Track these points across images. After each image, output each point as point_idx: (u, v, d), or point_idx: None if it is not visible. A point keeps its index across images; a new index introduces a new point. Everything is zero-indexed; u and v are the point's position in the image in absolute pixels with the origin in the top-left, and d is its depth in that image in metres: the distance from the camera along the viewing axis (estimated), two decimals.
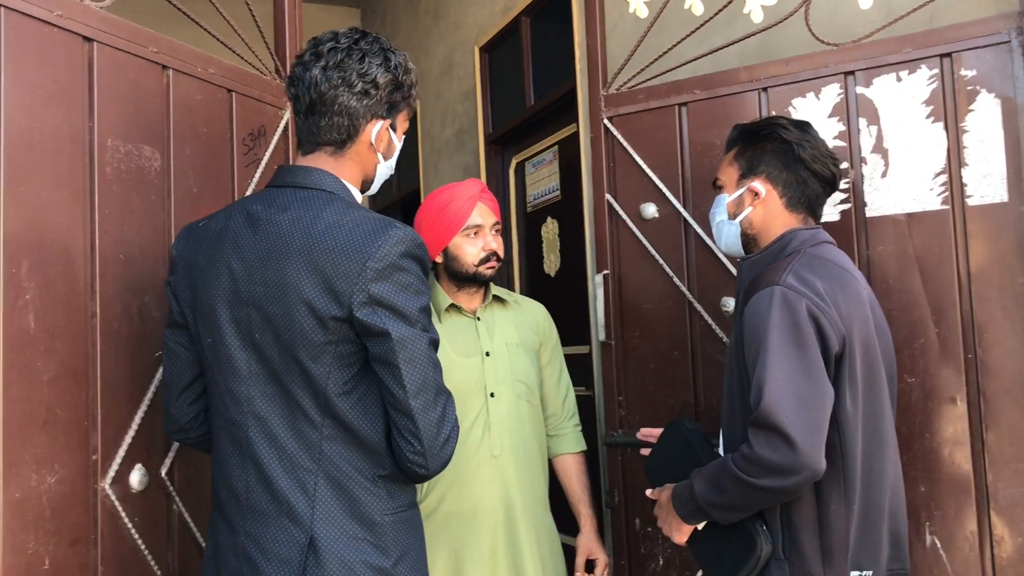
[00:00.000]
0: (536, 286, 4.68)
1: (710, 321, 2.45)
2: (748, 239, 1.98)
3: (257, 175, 2.23)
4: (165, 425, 1.76)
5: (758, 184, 1.95)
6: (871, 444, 1.77)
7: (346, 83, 1.62)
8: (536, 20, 4.64)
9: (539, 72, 4.65)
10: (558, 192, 4.45)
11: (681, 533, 1.87)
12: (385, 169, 1.74)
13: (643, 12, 2.56)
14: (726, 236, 2.02)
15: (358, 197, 1.69)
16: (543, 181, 4.62)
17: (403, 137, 1.78)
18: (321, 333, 1.52)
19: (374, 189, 1.77)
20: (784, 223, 1.94)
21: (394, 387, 1.52)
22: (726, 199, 2.01)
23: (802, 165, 1.92)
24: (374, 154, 1.70)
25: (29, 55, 1.67)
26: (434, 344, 1.57)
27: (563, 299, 4.39)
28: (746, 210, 1.97)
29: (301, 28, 2.42)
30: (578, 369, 3.67)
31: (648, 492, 1.98)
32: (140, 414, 1.86)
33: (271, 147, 2.29)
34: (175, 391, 1.72)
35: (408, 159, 6.23)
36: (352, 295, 1.50)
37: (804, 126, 1.97)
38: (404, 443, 1.54)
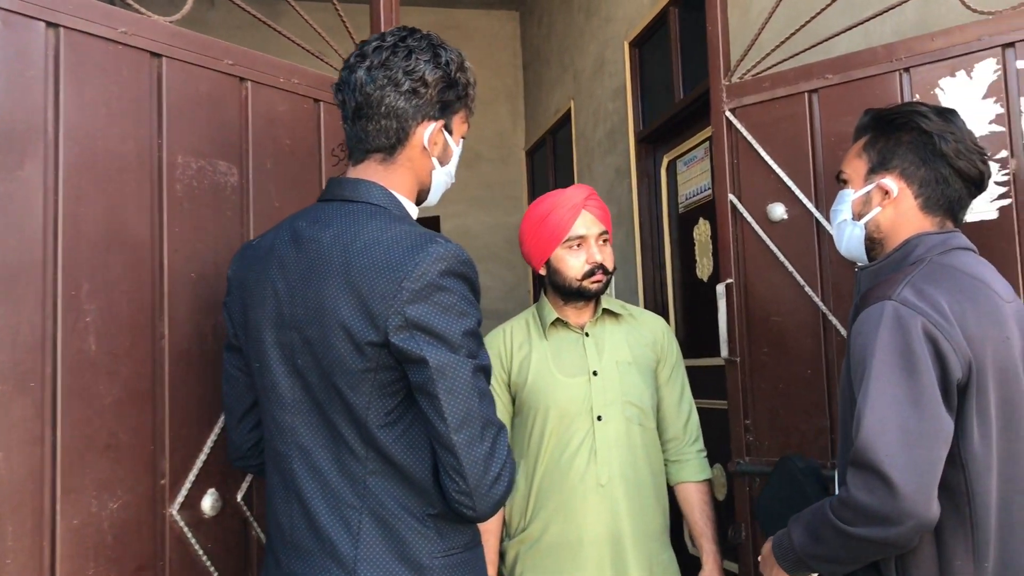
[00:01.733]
0: (689, 291, 4.42)
1: (846, 334, 2.15)
2: (873, 244, 1.71)
3: None
4: (228, 452, 1.71)
5: (890, 181, 1.67)
6: (1010, 490, 1.47)
7: (392, 82, 1.50)
8: (684, 9, 4.38)
9: (688, 65, 4.39)
10: (710, 191, 4.17)
11: None
12: (443, 176, 1.61)
13: None
14: (848, 239, 1.75)
15: (413, 210, 1.57)
16: (695, 180, 4.36)
17: (462, 141, 1.63)
18: (358, 359, 1.40)
19: (433, 200, 1.63)
20: (916, 227, 1.65)
21: (435, 419, 1.38)
22: (851, 195, 1.74)
23: (944, 161, 1.63)
24: (428, 159, 1.56)
25: (92, 74, 1.66)
26: (483, 371, 1.42)
27: (715, 305, 4.11)
28: (874, 210, 1.69)
29: None
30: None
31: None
32: (212, 438, 1.81)
33: None
34: (235, 417, 1.66)
35: (564, 162, 6.09)
36: (388, 318, 1.38)
37: (948, 114, 1.67)
38: (449, 481, 1.40)
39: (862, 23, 2.18)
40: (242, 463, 1.70)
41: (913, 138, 1.66)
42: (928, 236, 1.61)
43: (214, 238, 1.85)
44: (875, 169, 1.70)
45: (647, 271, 4.78)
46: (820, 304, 2.21)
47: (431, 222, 6.71)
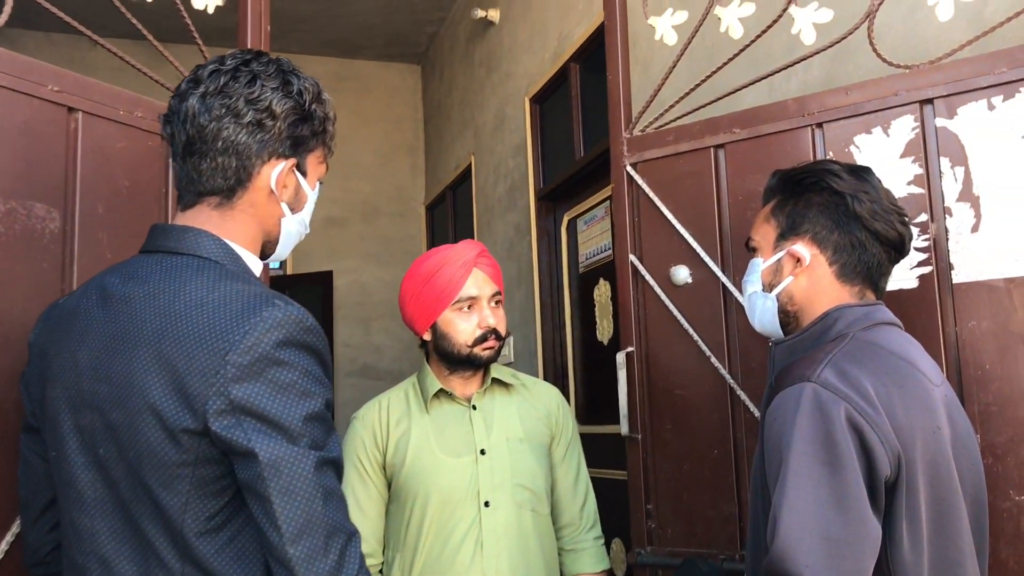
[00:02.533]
0: (589, 354, 4.24)
1: (756, 412, 1.97)
2: (788, 317, 1.53)
3: None
4: (24, 555, 1.39)
5: (801, 247, 1.50)
6: None
7: (232, 112, 1.25)
8: (585, 66, 4.27)
9: (589, 123, 4.28)
10: (610, 252, 4.02)
11: None
12: (295, 225, 1.35)
13: (671, 38, 2.13)
14: (760, 312, 1.57)
15: (256, 265, 1.31)
16: (595, 239, 4.21)
17: (319, 185, 1.39)
18: (172, 451, 1.12)
19: (282, 253, 1.37)
20: (833, 297, 1.48)
21: (267, 527, 1.11)
22: (760, 265, 1.56)
23: (859, 223, 1.47)
24: (276, 205, 1.31)
25: None
26: (331, 466, 1.15)
27: (616, 370, 3.93)
28: (785, 280, 1.51)
29: None
30: None
31: None
32: (8, 539, 1.49)
33: None
34: (33, 513, 1.35)
35: (464, 218, 5.90)
36: (208, 400, 1.11)
37: (862, 173, 1.52)
38: None
39: (770, 75, 2.04)
40: (41, 570, 1.38)
41: (824, 199, 1.50)
42: (849, 309, 1.44)
43: (24, 294, 1.55)
44: (785, 235, 1.53)
45: (547, 332, 4.59)
46: (727, 377, 2.02)
47: (323, 277, 6.40)
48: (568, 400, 4.33)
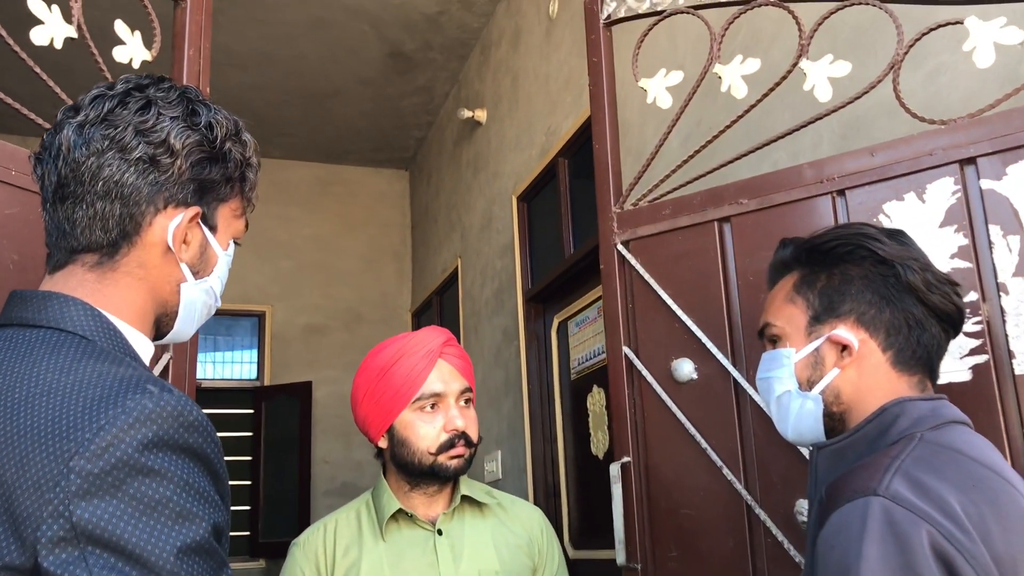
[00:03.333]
0: (583, 469, 3.87)
1: (780, 536, 1.62)
2: (833, 420, 1.22)
3: None
4: None
5: (845, 331, 1.19)
6: None
7: (117, 145, 0.96)
8: (574, 160, 4.06)
9: (578, 217, 4.04)
10: (604, 356, 3.70)
11: None
12: (198, 294, 1.05)
13: (664, 101, 1.88)
14: (797, 417, 1.24)
15: (145, 347, 0.99)
16: (588, 343, 3.90)
17: (233, 247, 1.09)
18: None
19: (183, 331, 1.06)
20: (889, 391, 1.18)
21: None
22: (791, 356, 1.24)
23: (913, 297, 1.18)
24: (175, 266, 1.01)
25: None
26: None
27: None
28: (829, 373, 1.21)
29: None
30: None
31: None
32: None
33: None
34: None
35: (451, 324, 5.59)
36: (40, 523, 0.78)
37: (900, 236, 1.23)
38: None
39: (780, 137, 1.77)
40: None
41: (867, 270, 1.20)
42: (911, 403, 1.13)
43: None
44: (820, 317, 1.23)
45: (537, 446, 4.22)
46: (744, 493, 1.67)
47: (301, 388, 6.04)
48: (561, 522, 3.94)
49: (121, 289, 0.98)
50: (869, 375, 1.19)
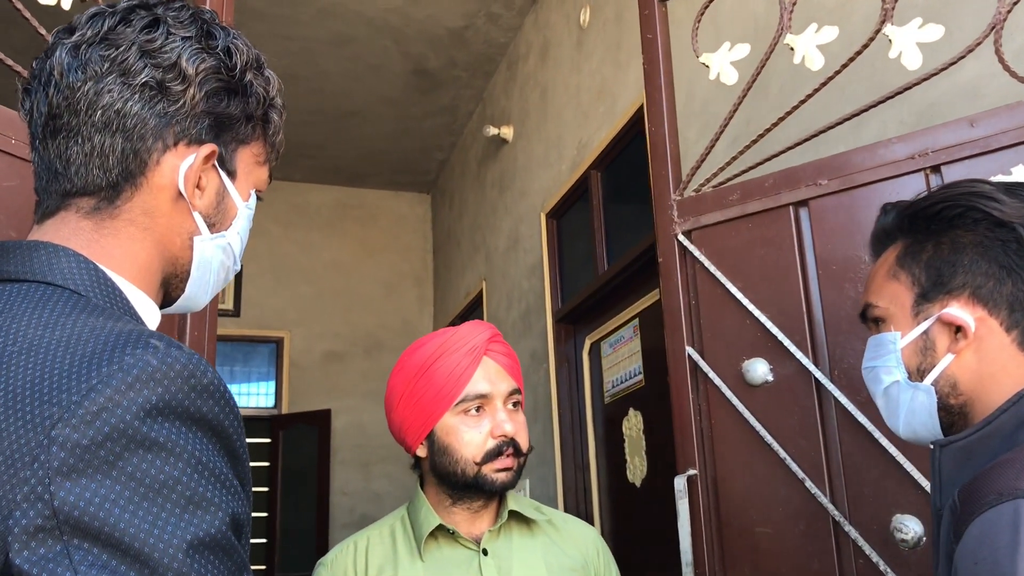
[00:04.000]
0: (618, 498, 3.66)
1: (875, 557, 1.41)
2: (950, 412, 1.03)
3: None
4: None
5: (958, 311, 1.01)
6: None
7: (118, 67, 0.80)
8: (608, 173, 3.89)
9: (613, 233, 3.86)
10: (641, 377, 3.51)
11: None
12: (214, 251, 0.88)
13: (729, 77, 1.71)
14: (908, 411, 1.06)
15: (150, 314, 0.83)
16: (622, 364, 3.71)
17: (254, 197, 0.92)
18: None
19: (196, 297, 0.89)
20: (1020, 377, 0.98)
21: None
22: (896, 342, 1.06)
23: None
24: (187, 216, 0.85)
25: None
26: None
27: (652, 517, 3.34)
28: (943, 360, 1.02)
29: None
30: None
31: None
32: None
33: None
34: None
35: None
36: (12, 509, 0.60)
37: (1021, 190, 1.04)
38: None
39: (867, 109, 1.59)
40: None
41: (982, 236, 1.02)
42: None
43: None
44: (928, 295, 1.04)
45: (568, 474, 4.01)
46: (830, 507, 1.47)
47: (320, 416, 5.86)
48: None
49: (122, 241, 0.82)
50: (991, 360, 1.00)
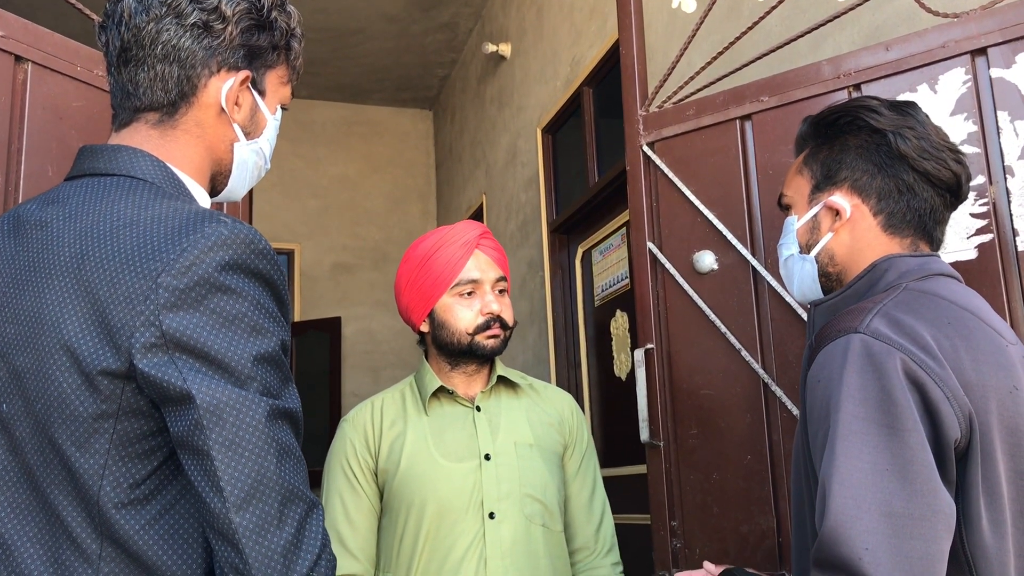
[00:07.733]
0: (606, 391, 3.99)
1: (795, 411, 1.73)
2: (830, 280, 1.32)
3: None
4: None
5: (839, 198, 1.29)
6: None
7: (173, 11, 1.07)
8: (599, 90, 4.12)
9: (603, 146, 4.10)
10: (627, 280, 3.80)
11: None
12: (249, 154, 1.16)
13: (690, 5, 1.96)
14: (799, 278, 1.35)
15: (203, 198, 1.11)
16: (611, 269, 4.00)
17: (280, 112, 1.20)
18: (89, 399, 0.91)
19: (237, 190, 1.18)
20: (880, 252, 1.27)
21: (206, 490, 0.88)
22: (795, 223, 1.35)
23: (904, 164, 1.26)
24: (228, 126, 1.12)
25: None
26: (286, 418, 0.94)
27: (635, 405, 3.67)
28: (824, 237, 1.31)
29: None
30: None
31: None
32: None
33: None
34: None
35: None
36: (134, 332, 0.90)
37: (905, 107, 1.31)
38: None
39: (804, 34, 1.85)
40: None
41: (862, 140, 1.29)
42: (900, 259, 1.22)
43: None
44: (820, 186, 1.32)
45: (561, 371, 4.35)
46: (761, 372, 1.79)
47: (331, 324, 6.20)
48: None
49: (181, 145, 1.10)
50: (861, 237, 1.28)
